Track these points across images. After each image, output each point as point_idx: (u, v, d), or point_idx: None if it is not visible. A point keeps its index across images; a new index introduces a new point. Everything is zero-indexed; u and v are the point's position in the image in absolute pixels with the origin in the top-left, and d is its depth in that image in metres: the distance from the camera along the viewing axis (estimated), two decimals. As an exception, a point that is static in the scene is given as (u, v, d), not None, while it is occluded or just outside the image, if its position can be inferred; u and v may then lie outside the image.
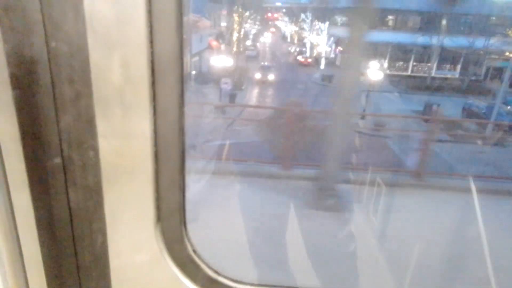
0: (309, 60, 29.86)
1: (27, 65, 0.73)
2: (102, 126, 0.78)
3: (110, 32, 0.72)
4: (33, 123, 0.77)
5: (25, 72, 0.74)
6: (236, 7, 26.54)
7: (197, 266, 0.93)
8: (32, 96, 0.75)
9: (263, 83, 21.35)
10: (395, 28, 27.92)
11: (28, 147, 0.79)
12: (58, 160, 0.80)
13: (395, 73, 27.09)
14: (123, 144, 0.80)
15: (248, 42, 34.21)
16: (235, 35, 26.60)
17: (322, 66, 28.62)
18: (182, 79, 0.78)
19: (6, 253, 0.86)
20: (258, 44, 35.37)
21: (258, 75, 21.85)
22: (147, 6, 0.70)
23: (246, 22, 32.43)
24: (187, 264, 0.92)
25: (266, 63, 25.16)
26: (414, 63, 27.69)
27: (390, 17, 28.36)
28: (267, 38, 39.97)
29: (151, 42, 0.73)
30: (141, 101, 0.76)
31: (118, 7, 0.70)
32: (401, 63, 27.69)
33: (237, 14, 26.78)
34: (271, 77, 22.05)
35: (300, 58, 30.38)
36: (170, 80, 0.77)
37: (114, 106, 0.76)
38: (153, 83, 0.76)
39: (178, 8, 0.73)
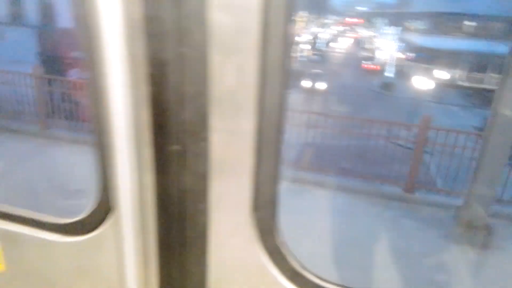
0: (375, 66, 28.43)
1: (161, 67, 0.86)
2: (214, 122, 0.88)
3: (229, 40, 0.81)
4: (160, 115, 0.90)
5: (159, 72, 0.86)
6: (299, 11, 26.37)
7: (284, 257, 0.99)
8: (161, 93, 0.88)
9: (311, 91, 20.84)
10: (473, 35, 25.34)
11: (154, 135, 0.93)
12: (177, 147, 0.92)
13: (470, 85, 24.55)
14: (230, 139, 0.90)
15: (319, 46, 33.71)
16: (295, 39, 26.42)
17: (388, 73, 27.11)
18: (287, 84, 0.85)
19: (128, 222, 1.02)
20: (326, 49, 34.63)
21: (305, 83, 21.21)
22: (261, 17, 0.78)
23: (312, 26, 32.01)
24: (275, 254, 0.99)
25: (317, 70, 24.09)
26: (493, 75, 24.80)
27: (467, 22, 25.82)
28: (338, 43, 38.93)
29: (263, 49, 0.81)
30: (249, 102, 0.85)
31: (237, 19, 0.79)
32: (476, 74, 24.99)
33: (300, 18, 26.60)
34: (320, 85, 21.33)
35: (366, 64, 29.12)
36: (277, 84, 0.84)
37: (226, 105, 0.86)
38: (261, 87, 0.84)
39: (288, 19, 0.80)
